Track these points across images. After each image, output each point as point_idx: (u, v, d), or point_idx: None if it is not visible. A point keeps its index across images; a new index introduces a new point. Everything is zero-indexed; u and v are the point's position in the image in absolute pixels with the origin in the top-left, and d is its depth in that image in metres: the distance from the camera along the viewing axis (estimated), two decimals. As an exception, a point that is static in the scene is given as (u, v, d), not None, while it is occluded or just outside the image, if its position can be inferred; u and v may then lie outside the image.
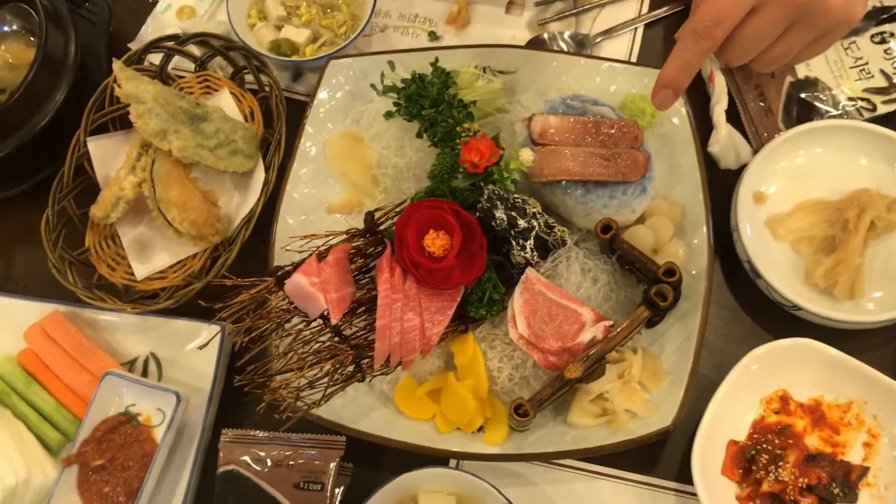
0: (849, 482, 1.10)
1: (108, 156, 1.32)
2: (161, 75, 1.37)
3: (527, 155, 1.10)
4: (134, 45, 1.47)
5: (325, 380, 1.03)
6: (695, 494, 1.09)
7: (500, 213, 1.10)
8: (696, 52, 0.97)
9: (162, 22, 1.49)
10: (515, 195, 1.13)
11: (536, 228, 1.12)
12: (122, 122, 1.36)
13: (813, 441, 1.14)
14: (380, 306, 1.05)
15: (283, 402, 1.01)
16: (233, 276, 1.09)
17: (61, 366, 1.21)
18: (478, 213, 1.11)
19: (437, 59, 1.22)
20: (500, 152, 1.11)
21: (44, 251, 1.25)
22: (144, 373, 1.24)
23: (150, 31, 1.48)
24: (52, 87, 1.32)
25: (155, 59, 1.38)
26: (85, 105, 1.33)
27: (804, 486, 1.08)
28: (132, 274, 1.28)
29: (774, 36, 0.95)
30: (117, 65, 1.24)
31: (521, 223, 1.11)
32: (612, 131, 1.17)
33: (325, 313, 1.06)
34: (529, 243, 1.12)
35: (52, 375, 1.22)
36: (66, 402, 1.21)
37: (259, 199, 1.25)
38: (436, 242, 1.07)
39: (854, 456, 1.12)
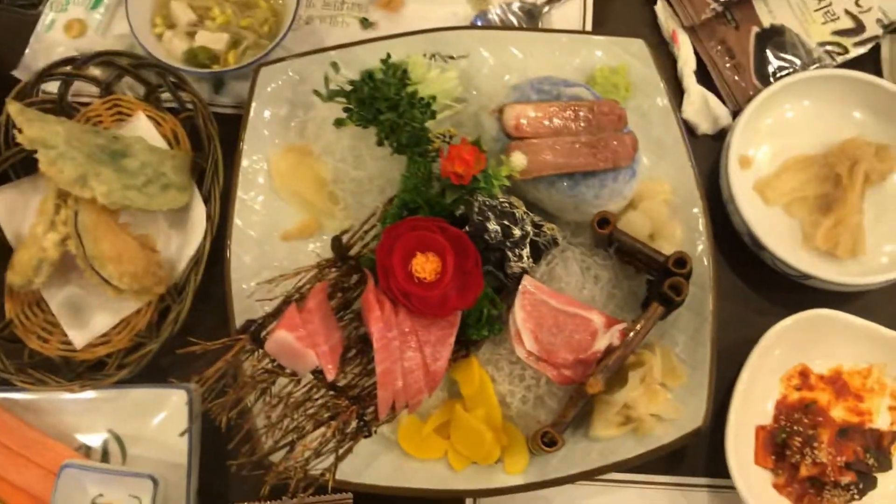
0: (882, 450, 1.06)
1: (15, 209, 1.13)
2: (61, 105, 1.18)
3: (519, 159, 0.98)
4: (20, 73, 1.25)
5: (332, 444, 0.90)
6: (728, 488, 1.04)
7: (492, 225, 0.99)
8: None
9: (48, 41, 1.27)
10: (502, 200, 1.01)
11: (530, 234, 1.01)
12: (24, 166, 1.16)
13: (839, 413, 1.09)
14: (377, 349, 0.93)
15: (290, 479, 0.88)
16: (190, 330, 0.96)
17: (5, 464, 1.04)
18: (468, 228, 0.99)
19: (389, 56, 1.08)
20: (485, 157, 0.98)
21: (-43, 332, 1.07)
22: (105, 456, 1.07)
23: (35, 53, 1.26)
24: (-66, 138, 1.11)
25: (50, 86, 1.18)
26: (-25, 153, 1.13)
27: (842, 465, 1.04)
28: (69, 343, 1.10)
29: None
30: (14, 107, 1.04)
31: (516, 231, 1.00)
32: (594, 115, 1.06)
33: (317, 367, 0.93)
34: (525, 251, 1.01)
35: (-5, 477, 1.05)
36: (19, 506, 1.04)
37: (205, 238, 1.10)
38: (426, 267, 0.95)
39: (882, 422, 1.08)
